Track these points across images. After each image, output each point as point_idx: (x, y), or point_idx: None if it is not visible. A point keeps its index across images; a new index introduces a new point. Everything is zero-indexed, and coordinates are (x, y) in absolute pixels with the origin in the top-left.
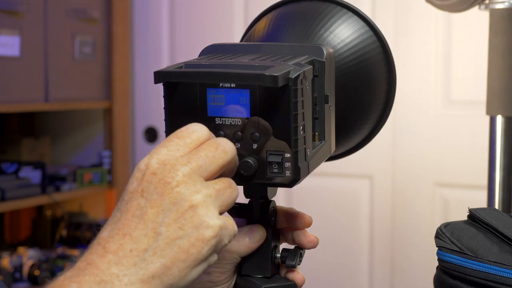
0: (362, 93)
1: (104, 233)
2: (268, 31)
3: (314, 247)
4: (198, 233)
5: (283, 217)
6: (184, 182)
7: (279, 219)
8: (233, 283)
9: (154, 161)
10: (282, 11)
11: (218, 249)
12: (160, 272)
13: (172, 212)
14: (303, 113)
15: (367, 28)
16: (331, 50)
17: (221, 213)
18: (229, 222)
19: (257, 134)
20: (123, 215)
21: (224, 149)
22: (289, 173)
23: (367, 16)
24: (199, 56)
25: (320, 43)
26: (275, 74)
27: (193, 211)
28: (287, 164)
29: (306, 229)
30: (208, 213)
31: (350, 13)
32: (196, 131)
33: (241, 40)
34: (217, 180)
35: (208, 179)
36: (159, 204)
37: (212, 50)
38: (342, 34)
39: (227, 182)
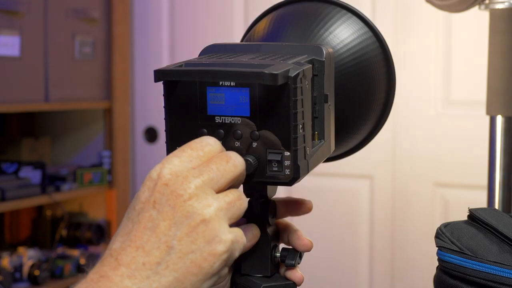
0: (362, 94)
1: (116, 244)
2: (268, 31)
3: (308, 250)
4: (210, 248)
5: (282, 207)
6: (196, 195)
7: (279, 210)
8: (229, 281)
9: (166, 171)
10: (282, 12)
11: (229, 262)
12: (172, 286)
13: (184, 226)
14: (302, 111)
15: (366, 29)
16: (330, 50)
17: (230, 225)
18: (239, 234)
19: (256, 132)
20: (135, 227)
21: (235, 163)
22: (289, 172)
23: (366, 17)
24: (199, 55)
25: (319, 43)
26: (275, 72)
27: (205, 225)
28: (287, 163)
29: (304, 229)
30: (220, 228)
31: (349, 14)
32: (210, 144)
33: (241, 41)
34: (227, 192)
35: (218, 191)
36: (171, 217)
37: (212, 49)
38: (342, 34)
39: (237, 194)
